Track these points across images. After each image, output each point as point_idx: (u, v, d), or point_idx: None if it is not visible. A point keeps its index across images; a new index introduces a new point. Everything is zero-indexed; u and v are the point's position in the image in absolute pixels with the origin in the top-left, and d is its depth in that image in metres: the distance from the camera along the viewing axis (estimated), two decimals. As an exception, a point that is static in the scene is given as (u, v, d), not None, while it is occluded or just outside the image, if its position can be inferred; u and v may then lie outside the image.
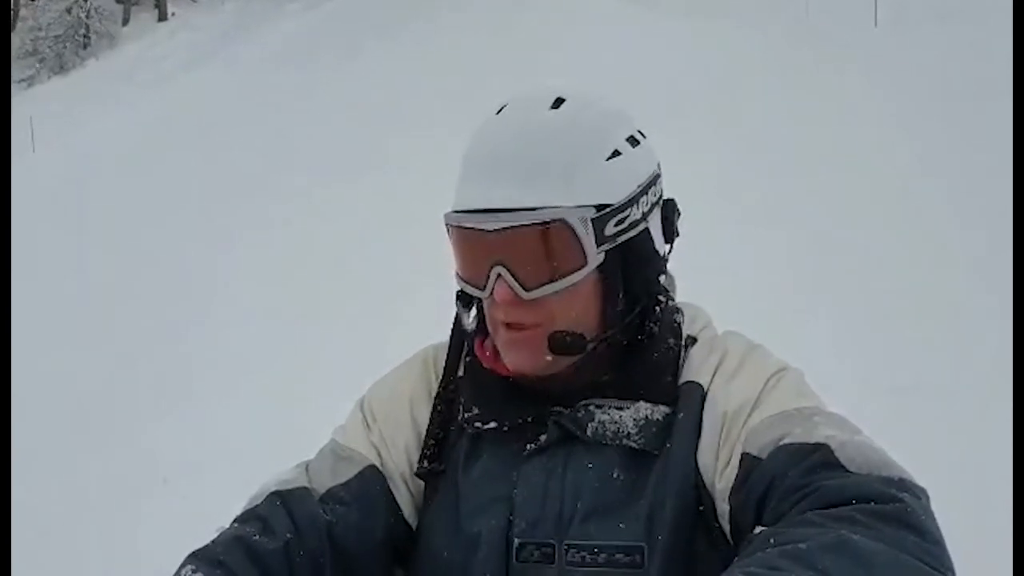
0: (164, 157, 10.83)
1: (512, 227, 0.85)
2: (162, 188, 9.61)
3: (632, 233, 0.89)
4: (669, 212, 0.95)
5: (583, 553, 0.86)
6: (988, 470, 3.06)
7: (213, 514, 0.92)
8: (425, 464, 0.94)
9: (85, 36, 23.74)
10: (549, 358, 0.90)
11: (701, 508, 0.87)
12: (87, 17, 23.71)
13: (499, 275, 0.87)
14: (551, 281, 0.87)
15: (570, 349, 0.89)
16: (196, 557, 0.85)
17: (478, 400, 0.95)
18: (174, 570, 0.84)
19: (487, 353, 0.97)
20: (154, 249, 7.87)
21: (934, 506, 0.75)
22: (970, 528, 2.35)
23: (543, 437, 0.91)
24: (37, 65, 22.71)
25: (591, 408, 0.91)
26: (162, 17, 24.40)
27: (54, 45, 23.26)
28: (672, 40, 10.29)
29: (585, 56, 9.49)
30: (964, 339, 4.21)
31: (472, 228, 0.88)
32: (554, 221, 0.85)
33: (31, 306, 6.20)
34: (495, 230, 0.86)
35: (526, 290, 0.87)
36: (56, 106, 17.32)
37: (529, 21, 11.70)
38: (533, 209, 0.85)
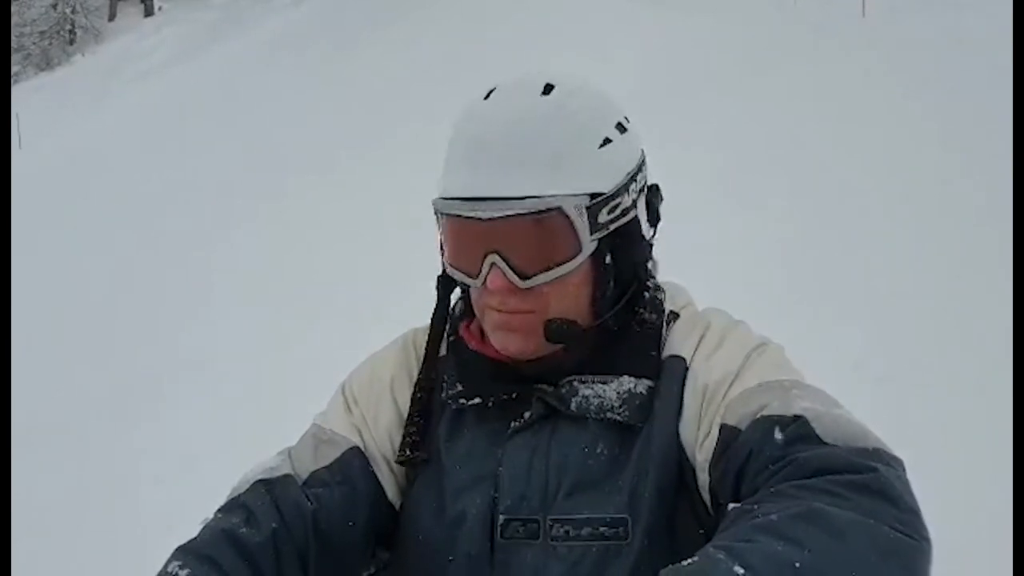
0: (151, 153, 10.78)
1: (509, 216, 0.85)
2: (150, 184, 9.56)
3: (623, 220, 0.90)
4: (653, 197, 0.95)
5: (567, 527, 0.87)
6: (981, 461, 3.06)
7: (206, 512, 0.93)
8: (407, 452, 0.95)
9: (71, 32, 23.60)
10: (542, 343, 0.90)
11: (683, 480, 0.88)
12: (72, 12, 23.57)
13: (493, 264, 0.87)
14: (546, 270, 0.87)
15: (566, 337, 0.90)
16: (183, 551, 0.85)
17: (462, 377, 0.96)
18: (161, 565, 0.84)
19: (473, 336, 0.97)
20: (142, 246, 7.83)
21: (926, 500, 0.75)
22: (963, 519, 2.38)
23: (527, 414, 0.92)
24: (23, 61, 22.55)
25: (575, 384, 0.92)
26: (148, 12, 24.22)
27: (39, 41, 23.12)
28: (654, 31, 10.28)
29: (575, 48, 9.47)
30: (958, 329, 4.21)
31: (466, 216, 0.87)
32: (552, 210, 0.85)
33: (19, 304, 6.15)
34: (491, 218, 0.85)
35: (522, 279, 0.87)
36: (42, 102, 17.18)
37: (524, 14, 11.65)
38: (531, 198, 0.85)
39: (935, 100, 6.72)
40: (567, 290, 0.89)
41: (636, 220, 0.92)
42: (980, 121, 6.12)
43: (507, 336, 0.91)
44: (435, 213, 0.92)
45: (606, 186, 0.88)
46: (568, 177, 0.86)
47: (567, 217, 0.85)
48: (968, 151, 5.86)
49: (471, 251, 0.88)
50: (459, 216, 0.87)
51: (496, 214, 0.85)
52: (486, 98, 0.91)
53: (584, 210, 0.86)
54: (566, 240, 0.86)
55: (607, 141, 0.89)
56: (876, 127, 6.60)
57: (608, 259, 0.90)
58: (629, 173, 0.91)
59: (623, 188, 0.90)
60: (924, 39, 7.94)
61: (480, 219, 0.86)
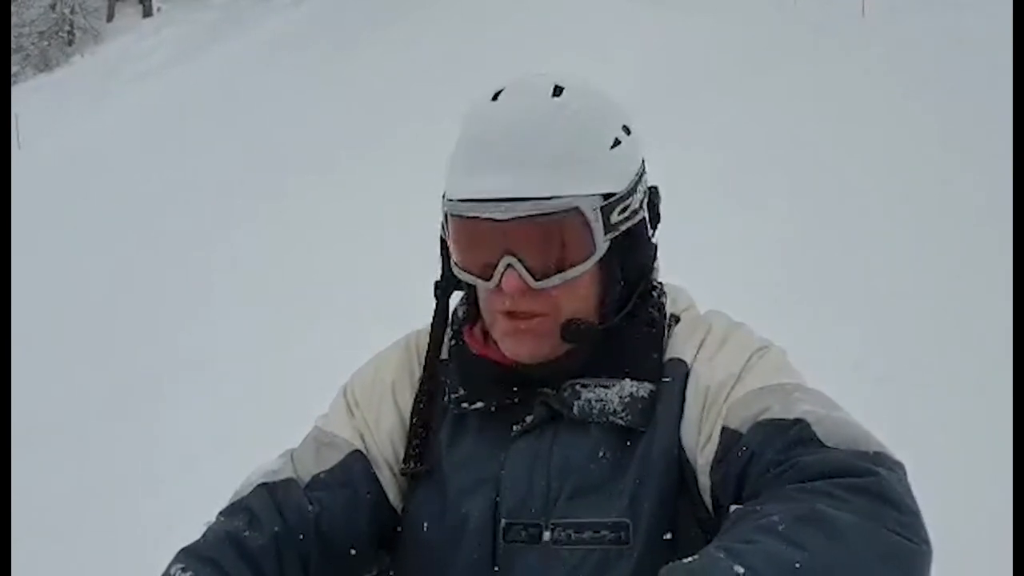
0: (151, 153, 10.77)
1: (527, 216, 0.85)
2: (150, 184, 9.55)
3: (632, 222, 0.90)
4: (655, 198, 0.96)
5: (569, 531, 0.87)
6: (981, 461, 3.06)
7: (206, 513, 0.93)
8: (411, 464, 0.95)
9: (69, 32, 23.59)
10: (554, 346, 0.90)
11: (684, 483, 0.88)
12: (71, 13, 23.57)
13: (509, 265, 0.86)
14: (561, 271, 0.87)
15: (583, 337, 0.90)
16: (186, 553, 0.85)
17: (464, 381, 0.95)
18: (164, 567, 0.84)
19: (476, 339, 0.97)
20: (142, 246, 7.83)
21: (926, 500, 0.75)
22: (963, 520, 2.38)
23: (529, 418, 0.92)
24: (21, 62, 22.54)
25: (577, 387, 0.92)
26: (147, 13, 24.19)
27: (38, 42, 23.11)
28: (654, 31, 10.28)
29: (575, 48, 9.47)
30: (958, 329, 4.21)
31: (482, 217, 0.86)
32: (570, 210, 0.85)
33: (19, 304, 6.16)
34: (509, 219, 0.85)
35: (537, 280, 0.87)
36: (41, 103, 17.17)
37: (524, 14, 11.64)
38: (551, 198, 0.85)
39: (935, 100, 6.71)
40: (577, 292, 0.89)
41: (643, 221, 0.93)
42: (980, 121, 6.12)
43: (519, 341, 0.91)
44: (444, 215, 0.91)
45: (617, 187, 0.89)
46: (583, 178, 0.87)
47: (584, 217, 0.86)
48: (968, 151, 5.86)
49: (485, 253, 0.88)
50: (474, 217, 0.87)
51: (515, 215, 0.85)
52: (494, 99, 0.90)
53: (599, 210, 0.87)
54: (581, 240, 0.87)
55: (617, 142, 0.90)
56: (876, 127, 6.59)
57: (616, 261, 0.91)
58: (637, 173, 0.92)
59: (632, 189, 0.90)
60: (924, 39, 7.93)
61: (496, 220, 0.85)
